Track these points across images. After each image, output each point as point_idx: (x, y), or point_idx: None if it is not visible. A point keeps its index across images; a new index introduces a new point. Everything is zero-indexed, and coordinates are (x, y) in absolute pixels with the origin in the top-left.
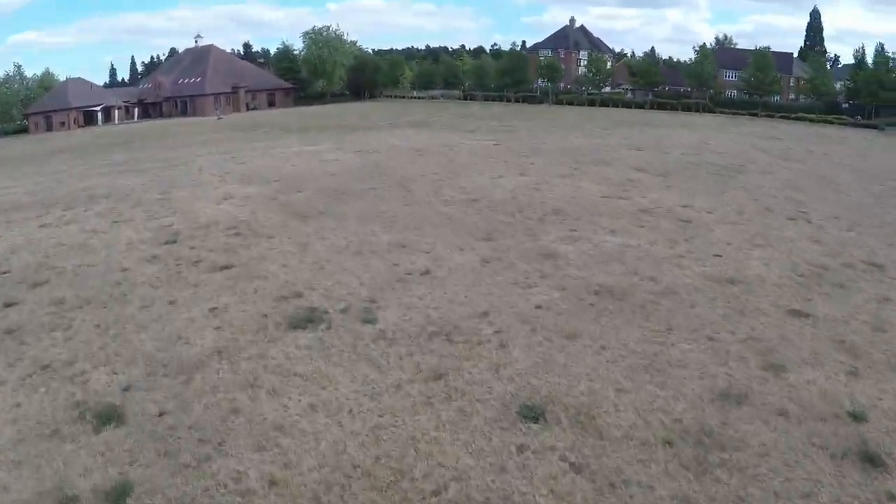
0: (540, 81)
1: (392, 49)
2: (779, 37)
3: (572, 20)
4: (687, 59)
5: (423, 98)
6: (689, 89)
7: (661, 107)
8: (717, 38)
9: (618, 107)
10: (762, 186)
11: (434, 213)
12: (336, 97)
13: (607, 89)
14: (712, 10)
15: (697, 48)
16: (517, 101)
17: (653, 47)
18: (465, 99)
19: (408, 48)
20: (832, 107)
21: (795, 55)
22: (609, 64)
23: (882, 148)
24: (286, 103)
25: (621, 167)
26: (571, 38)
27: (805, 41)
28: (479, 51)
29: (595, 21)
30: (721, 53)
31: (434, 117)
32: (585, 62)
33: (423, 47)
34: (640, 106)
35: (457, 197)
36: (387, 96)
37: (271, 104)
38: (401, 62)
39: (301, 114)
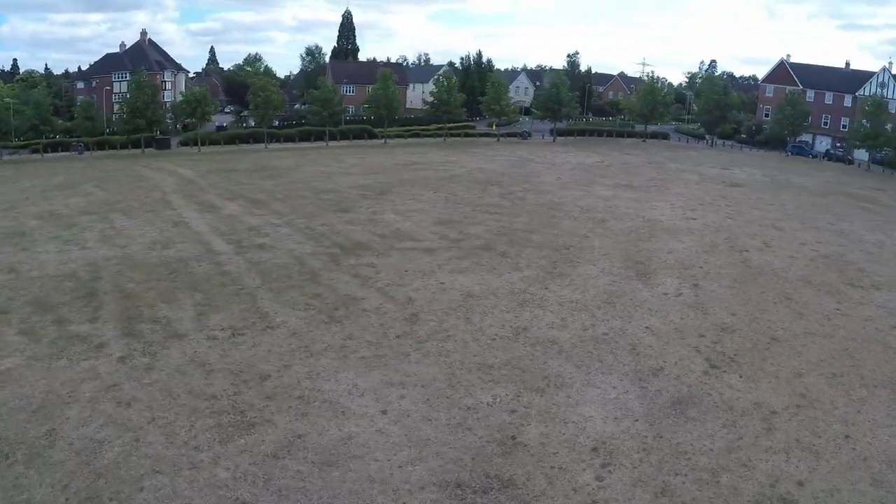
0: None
1: None
2: (247, 31)
3: (144, 33)
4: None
5: None
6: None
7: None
8: (309, 50)
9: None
10: None
11: None
12: None
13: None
14: (180, 9)
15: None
16: (149, 145)
17: (202, 72)
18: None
19: None
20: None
21: (329, 56)
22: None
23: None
24: None
25: None
26: (151, 57)
27: (339, 40)
28: None
29: (59, 30)
30: (336, 67)
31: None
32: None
33: None
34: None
35: None
36: None
37: None
38: None
39: None
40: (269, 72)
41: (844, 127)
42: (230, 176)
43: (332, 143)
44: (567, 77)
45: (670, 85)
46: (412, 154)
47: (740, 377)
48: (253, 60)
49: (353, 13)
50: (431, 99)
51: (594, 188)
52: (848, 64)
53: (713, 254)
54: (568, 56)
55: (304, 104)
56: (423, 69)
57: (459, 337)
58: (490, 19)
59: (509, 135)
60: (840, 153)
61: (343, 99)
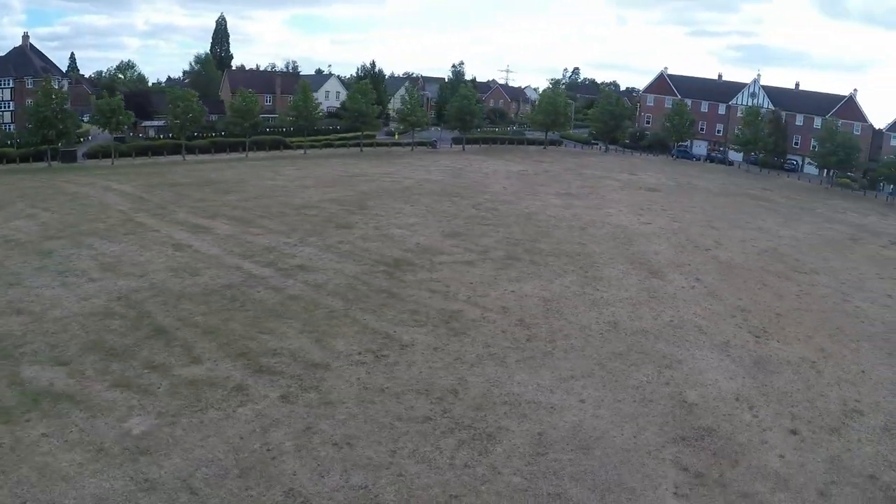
0: None
1: None
2: (99, 36)
3: (26, 36)
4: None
5: None
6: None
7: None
8: (198, 58)
9: (210, 152)
10: None
11: None
12: None
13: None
14: (27, 12)
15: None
16: (54, 158)
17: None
18: None
19: None
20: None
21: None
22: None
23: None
24: None
25: None
26: (36, 63)
27: (213, 47)
28: None
29: None
30: (235, 75)
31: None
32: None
33: None
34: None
35: None
36: None
37: None
38: None
39: None
40: (142, 78)
41: (719, 132)
42: (178, 191)
43: (250, 155)
44: (450, 86)
45: (562, 93)
46: (346, 165)
47: (778, 342)
48: (125, 67)
49: (212, 18)
50: (339, 107)
51: (545, 197)
52: (720, 75)
53: (687, 253)
54: (453, 66)
55: None
56: (309, 78)
57: (576, 335)
58: (346, 26)
59: (419, 144)
60: (720, 156)
61: (262, 108)
